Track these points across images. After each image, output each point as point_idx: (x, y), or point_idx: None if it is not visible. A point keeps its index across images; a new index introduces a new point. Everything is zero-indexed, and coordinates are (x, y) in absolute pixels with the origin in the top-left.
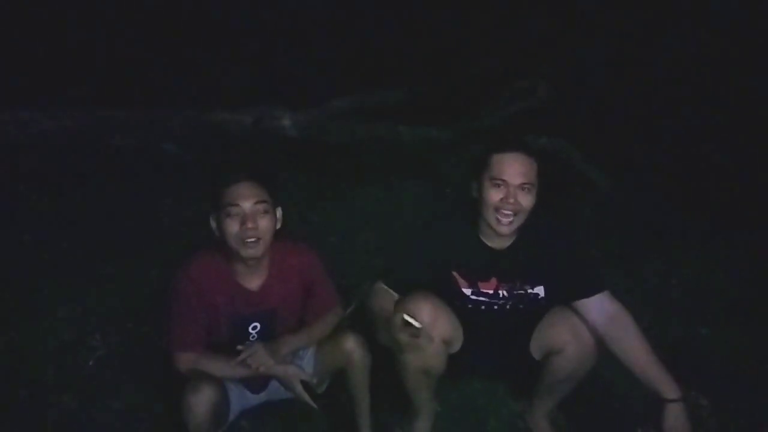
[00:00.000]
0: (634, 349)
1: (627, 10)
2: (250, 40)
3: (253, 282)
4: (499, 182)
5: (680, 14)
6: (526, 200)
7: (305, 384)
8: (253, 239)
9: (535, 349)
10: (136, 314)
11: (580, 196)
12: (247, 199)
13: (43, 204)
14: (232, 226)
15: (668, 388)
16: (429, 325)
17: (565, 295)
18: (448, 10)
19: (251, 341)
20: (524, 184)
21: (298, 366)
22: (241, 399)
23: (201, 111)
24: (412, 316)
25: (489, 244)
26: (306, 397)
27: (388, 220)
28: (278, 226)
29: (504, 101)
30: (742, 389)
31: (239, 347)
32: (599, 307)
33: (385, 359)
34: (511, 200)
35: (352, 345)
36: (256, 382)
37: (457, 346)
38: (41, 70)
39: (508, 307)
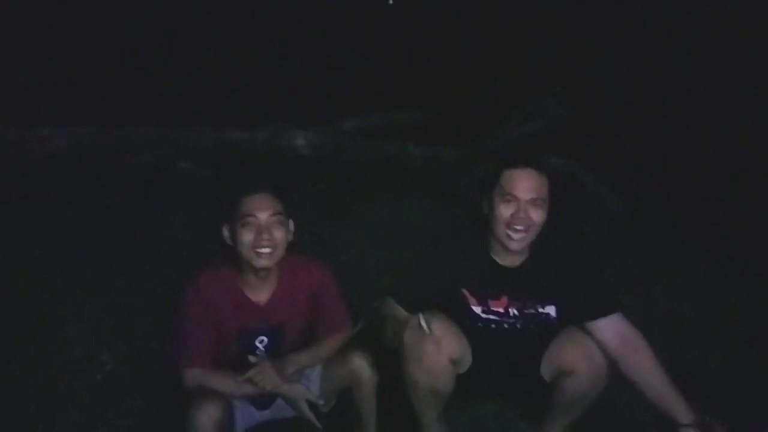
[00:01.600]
0: (648, 371)
1: (639, 29)
2: (265, 60)
3: (261, 295)
4: (509, 198)
5: (694, 32)
6: (537, 215)
7: (310, 403)
8: (267, 249)
9: (546, 371)
10: (145, 330)
11: (592, 216)
12: (263, 211)
13: (57, 219)
14: (247, 236)
15: (682, 412)
16: (437, 338)
17: (577, 316)
18: (459, 30)
19: (259, 355)
20: (535, 199)
21: (304, 385)
22: (246, 416)
23: (216, 129)
24: (427, 323)
25: (500, 262)
26: (311, 416)
27: (398, 239)
28: (290, 238)
29: (515, 121)
30: (759, 415)
31: (251, 357)
32: (612, 328)
33: (393, 379)
34: (522, 215)
35: (359, 363)
36: (262, 399)
37: (465, 366)
38: (61, 89)
39: (518, 326)
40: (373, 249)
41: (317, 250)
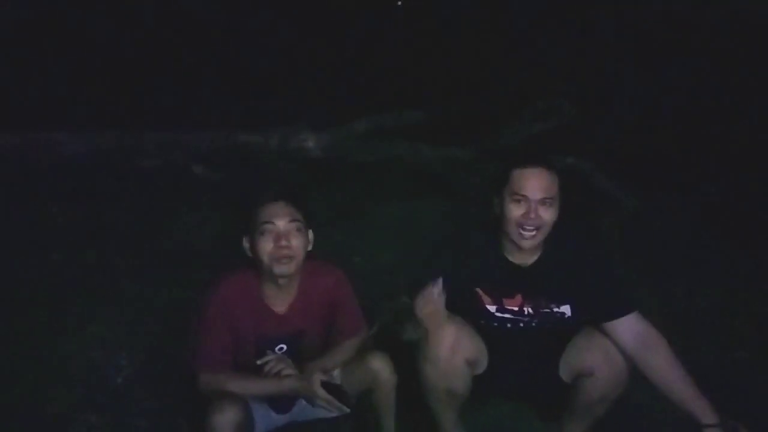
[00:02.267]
0: (668, 371)
1: (652, 27)
2: (276, 64)
3: (281, 305)
4: (519, 197)
5: (711, 29)
6: (548, 215)
7: (331, 387)
8: (286, 257)
9: (565, 372)
10: (163, 333)
11: (605, 216)
12: (281, 218)
13: (72, 223)
14: (266, 244)
15: (705, 413)
16: (448, 343)
17: (593, 316)
18: (469, 29)
19: (275, 353)
20: (545, 198)
21: (318, 373)
22: (265, 419)
23: (228, 132)
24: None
25: (513, 260)
26: (332, 399)
27: (411, 240)
28: (309, 247)
29: (526, 120)
30: None
31: (258, 362)
32: (629, 328)
33: (411, 381)
34: (533, 215)
35: (378, 364)
36: (282, 402)
37: (482, 368)
38: (73, 94)
39: (534, 325)
40: (386, 250)
41: (330, 252)
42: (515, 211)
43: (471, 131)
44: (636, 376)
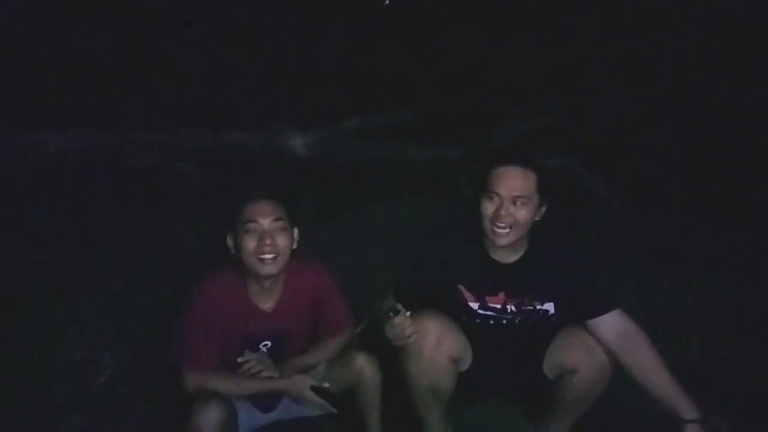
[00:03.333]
0: (649, 367)
1: (639, 26)
2: (263, 61)
3: (267, 302)
4: (493, 195)
5: (696, 26)
6: (521, 214)
7: (320, 390)
8: (270, 256)
9: (549, 369)
10: (147, 333)
11: (592, 215)
12: (265, 216)
13: (57, 223)
14: (250, 243)
15: (686, 408)
16: (432, 341)
17: (576, 313)
18: (457, 29)
19: (255, 353)
20: (517, 197)
21: (303, 375)
22: (250, 419)
23: (215, 131)
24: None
25: (496, 258)
26: (321, 401)
27: (398, 239)
28: (294, 246)
29: (514, 120)
30: (765, 413)
31: (239, 360)
32: (611, 324)
33: (396, 379)
34: (503, 213)
35: (362, 363)
36: (266, 401)
37: (466, 365)
38: (60, 92)
39: (516, 322)
40: (374, 249)
41: (317, 251)
42: (489, 208)
43: (459, 131)
44: (619, 375)
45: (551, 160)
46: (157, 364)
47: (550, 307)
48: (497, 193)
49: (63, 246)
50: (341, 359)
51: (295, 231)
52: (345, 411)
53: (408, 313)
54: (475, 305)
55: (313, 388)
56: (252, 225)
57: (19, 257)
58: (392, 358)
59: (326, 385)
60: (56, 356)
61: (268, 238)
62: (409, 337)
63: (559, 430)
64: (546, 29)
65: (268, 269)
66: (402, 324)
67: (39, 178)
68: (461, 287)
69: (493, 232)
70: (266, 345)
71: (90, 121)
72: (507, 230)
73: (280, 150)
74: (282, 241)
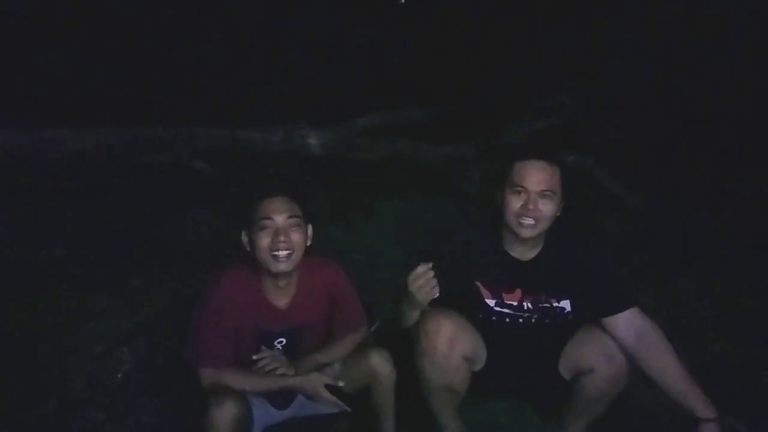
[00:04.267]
0: (666, 365)
1: (656, 22)
2: (278, 59)
3: (282, 299)
4: (519, 189)
5: (714, 23)
6: (547, 208)
7: (333, 389)
8: (284, 253)
9: (565, 369)
10: (164, 328)
11: (608, 214)
12: (280, 214)
13: (75, 219)
14: (264, 240)
15: (703, 407)
16: (446, 339)
17: (592, 311)
18: (471, 27)
19: (271, 350)
20: (545, 191)
21: (317, 372)
22: (265, 415)
23: (229, 129)
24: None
25: (513, 254)
26: (335, 399)
27: (411, 238)
28: (309, 243)
29: (529, 118)
30: None
31: (254, 357)
32: (628, 324)
33: (411, 377)
34: (531, 207)
35: (377, 361)
36: (281, 398)
37: (480, 364)
38: (75, 91)
39: (533, 320)
40: (387, 247)
41: (331, 249)
42: (515, 202)
43: (473, 129)
44: (636, 375)
45: (567, 158)
46: (175, 360)
47: (566, 304)
48: (524, 187)
49: (81, 242)
50: (356, 357)
51: (309, 228)
52: (359, 409)
53: (430, 265)
54: (491, 302)
55: (327, 387)
56: (266, 222)
57: (37, 252)
58: (406, 356)
59: (340, 383)
60: (74, 351)
61: (282, 235)
62: (433, 287)
63: (574, 431)
64: (561, 27)
65: (282, 266)
66: (426, 273)
67: (57, 175)
68: (479, 284)
69: (519, 224)
70: (281, 342)
71: (107, 119)
72: (533, 223)
73: (294, 148)
74: (296, 238)
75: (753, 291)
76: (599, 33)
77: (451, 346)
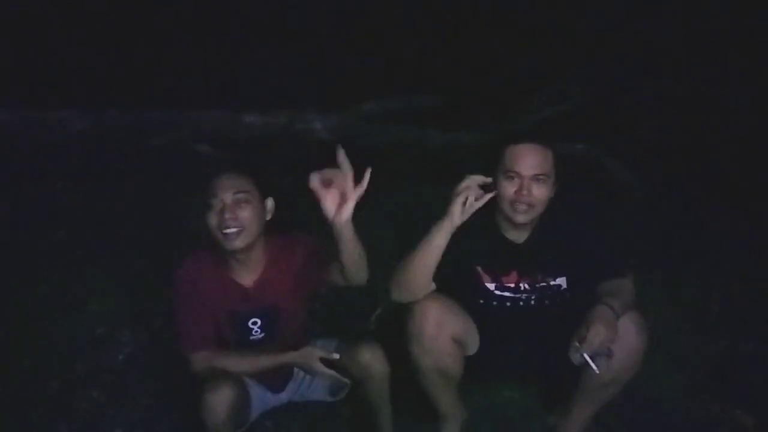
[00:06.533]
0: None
1: (666, 10)
2: (283, 44)
3: (248, 278)
4: (512, 174)
5: (724, 16)
6: (541, 192)
7: (330, 362)
8: (233, 230)
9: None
10: (165, 311)
11: (616, 203)
12: (225, 191)
13: (78, 201)
14: (213, 219)
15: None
16: (433, 321)
17: (586, 282)
18: (479, 12)
19: (255, 336)
20: (538, 175)
21: (312, 346)
22: (262, 399)
23: (234, 113)
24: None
25: (509, 237)
26: (332, 372)
27: (415, 225)
28: (268, 217)
29: (537, 105)
30: None
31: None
32: (614, 288)
33: (408, 368)
34: (525, 192)
35: (368, 358)
36: (275, 380)
37: (473, 348)
38: (78, 71)
39: (532, 302)
40: (391, 234)
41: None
42: (508, 188)
43: (480, 115)
44: (645, 363)
45: (575, 146)
46: (176, 343)
47: (562, 281)
48: (517, 172)
49: (83, 224)
50: (347, 355)
51: (269, 202)
52: (356, 401)
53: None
54: (491, 286)
55: (323, 360)
56: (213, 201)
57: (40, 234)
58: (402, 349)
59: (336, 356)
60: (76, 333)
61: (228, 212)
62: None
63: (580, 418)
64: (570, 13)
65: (234, 243)
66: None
67: (60, 158)
68: (478, 268)
69: (514, 210)
70: (255, 323)
71: (110, 101)
72: (527, 209)
73: (299, 133)
74: (246, 213)
75: (762, 284)
76: (609, 19)
77: (439, 327)
